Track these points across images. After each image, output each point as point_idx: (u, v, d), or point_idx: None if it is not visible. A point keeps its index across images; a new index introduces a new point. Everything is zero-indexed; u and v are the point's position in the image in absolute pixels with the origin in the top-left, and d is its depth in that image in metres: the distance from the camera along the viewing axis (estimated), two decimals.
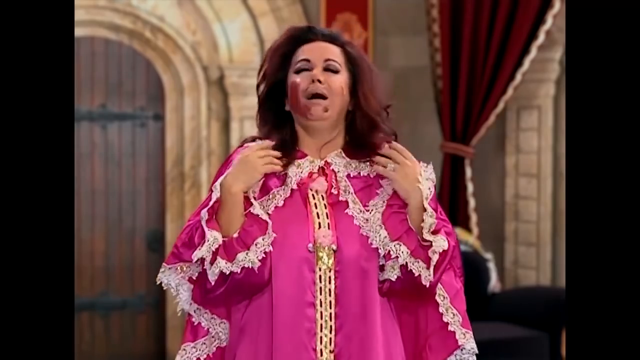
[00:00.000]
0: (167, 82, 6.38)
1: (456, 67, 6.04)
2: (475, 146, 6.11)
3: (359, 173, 2.41)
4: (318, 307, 2.31)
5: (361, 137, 2.41)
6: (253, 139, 2.46)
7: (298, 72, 2.38)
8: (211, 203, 2.33)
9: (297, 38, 2.42)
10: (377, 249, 2.33)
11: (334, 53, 2.40)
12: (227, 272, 2.29)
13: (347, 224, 2.35)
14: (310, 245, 2.33)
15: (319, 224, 2.35)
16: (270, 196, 2.37)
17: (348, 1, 6.41)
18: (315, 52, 2.40)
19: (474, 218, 6.17)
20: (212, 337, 2.40)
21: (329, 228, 2.34)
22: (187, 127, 6.35)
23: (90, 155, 6.33)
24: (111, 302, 6.39)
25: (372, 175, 2.41)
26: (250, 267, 2.28)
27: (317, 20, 6.36)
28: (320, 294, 2.32)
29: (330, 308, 2.33)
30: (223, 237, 2.31)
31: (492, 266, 6.01)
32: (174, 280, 2.42)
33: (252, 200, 2.34)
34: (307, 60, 2.38)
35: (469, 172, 6.13)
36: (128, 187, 6.40)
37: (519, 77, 5.97)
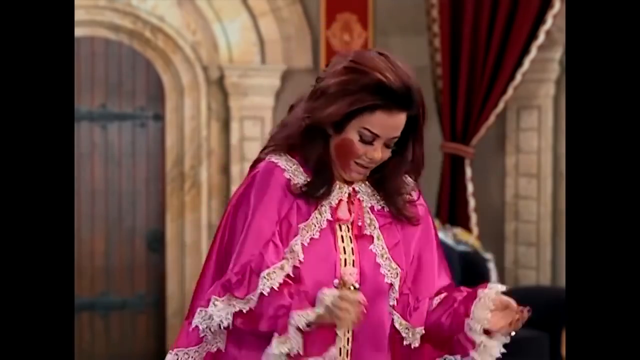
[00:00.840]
0: (167, 82, 6.38)
1: (456, 67, 6.04)
2: (475, 146, 6.11)
3: (383, 208, 2.39)
4: (337, 343, 2.28)
5: (390, 184, 2.38)
6: (278, 152, 2.36)
7: (362, 138, 2.28)
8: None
9: (381, 99, 2.26)
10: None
11: (401, 128, 2.30)
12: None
13: (370, 260, 2.33)
14: (336, 281, 2.30)
15: (345, 260, 2.32)
16: (307, 227, 2.31)
17: (348, 1, 6.41)
18: (388, 131, 2.28)
19: (474, 218, 6.17)
20: (205, 343, 2.37)
21: (353, 265, 2.32)
22: (187, 127, 6.35)
23: (90, 155, 6.33)
24: (111, 302, 6.39)
25: (392, 214, 2.39)
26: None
27: (317, 20, 6.36)
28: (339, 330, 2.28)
29: (348, 345, 2.32)
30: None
31: (492, 266, 6.01)
32: (224, 314, 2.27)
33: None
34: (377, 136, 2.28)
35: (469, 172, 6.13)
36: (128, 187, 6.40)
37: (519, 77, 5.97)
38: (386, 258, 2.35)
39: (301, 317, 2.20)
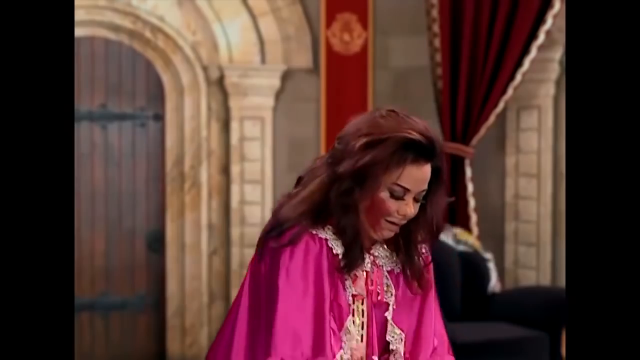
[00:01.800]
0: (167, 82, 6.38)
1: (456, 67, 6.04)
2: (475, 146, 6.11)
3: (401, 271, 2.39)
4: None
5: (412, 241, 2.37)
6: (304, 225, 2.31)
7: (393, 194, 2.28)
8: None
9: (411, 154, 2.27)
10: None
11: (428, 180, 2.31)
12: None
13: (382, 325, 2.34)
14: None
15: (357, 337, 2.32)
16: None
17: (348, 1, 6.41)
18: (418, 184, 2.28)
19: (474, 218, 6.17)
20: None
21: (362, 340, 2.31)
22: (187, 127, 6.35)
23: (90, 155, 6.33)
24: (111, 302, 6.39)
25: (404, 276, 2.39)
26: None
27: (317, 20, 6.36)
28: None
29: None
30: None
31: (492, 266, 6.01)
32: None
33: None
34: (407, 190, 2.28)
35: (469, 172, 6.13)
36: (128, 187, 6.40)
37: (519, 77, 5.97)
38: (390, 324, 2.35)
39: None
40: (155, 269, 6.45)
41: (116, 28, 6.29)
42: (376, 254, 2.37)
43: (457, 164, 6.11)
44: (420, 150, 2.26)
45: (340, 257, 2.29)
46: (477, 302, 5.69)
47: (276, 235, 2.29)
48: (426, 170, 2.28)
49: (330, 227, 2.31)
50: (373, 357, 2.31)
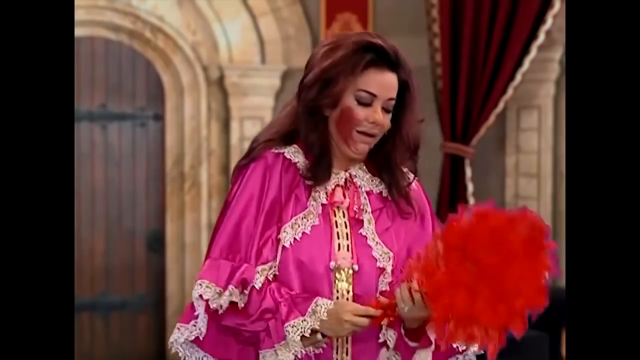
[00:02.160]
0: (167, 82, 6.38)
1: (456, 67, 6.04)
2: (475, 146, 6.11)
3: (381, 192, 2.41)
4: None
5: (386, 161, 2.40)
6: (269, 145, 2.39)
7: (360, 101, 2.33)
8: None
9: (370, 55, 2.34)
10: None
11: (396, 88, 2.36)
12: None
13: (362, 244, 2.35)
14: (333, 264, 2.32)
15: (339, 244, 2.34)
16: (307, 213, 2.34)
17: (348, 1, 6.41)
18: (384, 89, 2.33)
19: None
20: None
21: (347, 249, 2.34)
22: (187, 127, 6.35)
23: (90, 155, 6.33)
24: (111, 302, 6.39)
25: (389, 198, 2.40)
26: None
27: (317, 20, 6.36)
28: None
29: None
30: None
31: None
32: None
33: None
34: (374, 95, 2.32)
35: (469, 172, 6.13)
36: (128, 187, 6.40)
37: (519, 77, 5.97)
38: (376, 242, 2.36)
39: (295, 328, 2.24)
40: (155, 269, 6.45)
41: (116, 28, 6.29)
42: (354, 173, 2.40)
43: (457, 164, 6.11)
44: (379, 53, 2.33)
45: (301, 167, 2.35)
46: None
47: (244, 158, 2.41)
48: (390, 77, 2.34)
49: (296, 146, 2.38)
50: (354, 265, 2.31)
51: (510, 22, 5.95)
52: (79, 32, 6.02)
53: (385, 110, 2.34)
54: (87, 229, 6.31)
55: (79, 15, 5.89)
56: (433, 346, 2.32)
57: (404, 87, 2.37)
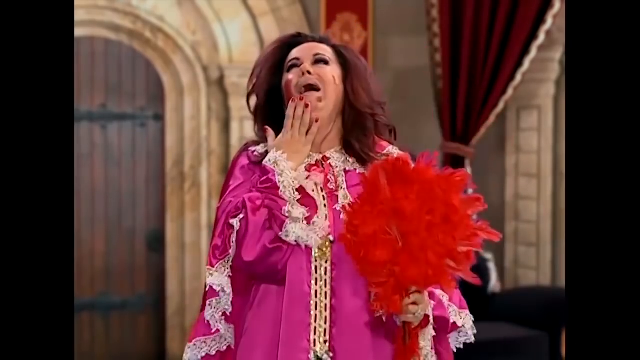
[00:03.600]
0: (167, 82, 6.38)
1: (456, 67, 6.04)
2: (475, 146, 6.11)
3: (355, 169, 2.44)
4: (313, 297, 2.33)
5: (351, 131, 2.45)
6: (255, 142, 2.49)
7: (289, 70, 2.44)
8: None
9: (286, 44, 2.48)
10: None
11: (323, 49, 2.47)
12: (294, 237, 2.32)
13: (337, 219, 2.36)
14: None
15: (316, 216, 2.36)
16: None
17: (348, 1, 6.41)
18: (304, 50, 2.46)
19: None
20: (221, 336, 2.40)
21: (326, 219, 2.36)
22: (187, 127, 6.35)
23: (90, 155, 6.33)
24: (111, 302, 6.39)
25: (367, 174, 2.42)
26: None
27: (317, 20, 6.36)
28: (316, 284, 2.34)
29: (326, 299, 2.34)
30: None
31: (492, 266, 6.01)
32: (223, 280, 2.37)
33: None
34: (297, 59, 2.44)
35: (469, 172, 6.13)
36: (128, 187, 6.40)
37: (519, 77, 5.96)
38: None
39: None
40: (155, 269, 6.45)
41: (116, 28, 6.29)
42: (328, 155, 2.44)
43: (457, 164, 6.11)
44: (293, 39, 2.48)
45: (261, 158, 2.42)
46: (477, 302, 5.69)
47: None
48: (312, 44, 2.47)
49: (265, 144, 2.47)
50: (330, 236, 2.34)
51: (510, 22, 5.95)
52: (79, 32, 6.02)
53: (320, 62, 2.43)
54: (87, 229, 6.31)
55: (79, 15, 5.89)
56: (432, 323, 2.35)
57: (342, 56, 2.46)
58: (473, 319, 2.47)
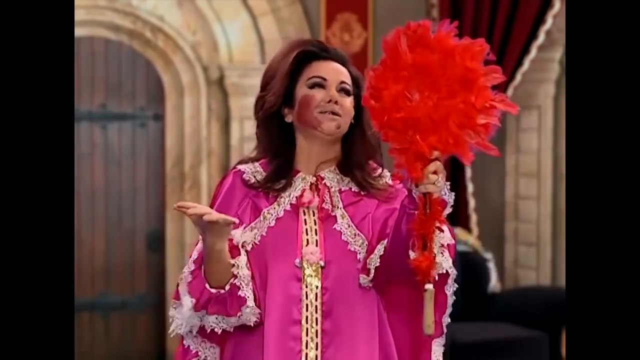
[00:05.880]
0: (167, 82, 6.38)
1: None
2: None
3: (350, 188, 2.42)
4: (304, 324, 2.32)
5: (354, 160, 2.43)
6: (248, 160, 2.47)
7: (312, 86, 2.40)
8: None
9: (308, 53, 2.42)
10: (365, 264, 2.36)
11: (347, 76, 2.43)
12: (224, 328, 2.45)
13: (335, 239, 2.36)
14: (297, 260, 2.34)
15: (307, 240, 2.35)
16: (262, 218, 2.37)
17: (348, 1, 6.41)
18: (332, 72, 2.41)
19: (474, 218, 6.17)
20: None
21: (316, 245, 2.35)
22: (187, 127, 6.35)
23: (90, 155, 6.33)
24: (111, 302, 6.39)
25: (362, 192, 2.41)
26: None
27: (317, 20, 6.36)
28: (307, 310, 2.33)
29: (317, 325, 2.33)
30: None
31: (492, 266, 6.01)
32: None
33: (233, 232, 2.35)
34: (324, 79, 2.40)
35: (469, 172, 6.13)
36: (128, 187, 6.40)
37: (519, 77, 5.97)
38: (354, 234, 2.37)
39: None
40: (155, 269, 6.45)
41: (116, 28, 6.29)
42: (323, 175, 2.42)
43: (457, 164, 6.11)
44: (316, 46, 2.43)
45: (259, 180, 2.40)
46: (477, 302, 5.69)
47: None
48: (336, 64, 2.42)
49: (257, 164, 2.45)
50: (320, 261, 2.34)
51: (510, 22, 5.95)
52: (79, 32, 6.01)
53: (344, 92, 2.41)
54: (87, 229, 6.31)
55: (79, 15, 5.89)
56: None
57: (357, 85, 2.43)
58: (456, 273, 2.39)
